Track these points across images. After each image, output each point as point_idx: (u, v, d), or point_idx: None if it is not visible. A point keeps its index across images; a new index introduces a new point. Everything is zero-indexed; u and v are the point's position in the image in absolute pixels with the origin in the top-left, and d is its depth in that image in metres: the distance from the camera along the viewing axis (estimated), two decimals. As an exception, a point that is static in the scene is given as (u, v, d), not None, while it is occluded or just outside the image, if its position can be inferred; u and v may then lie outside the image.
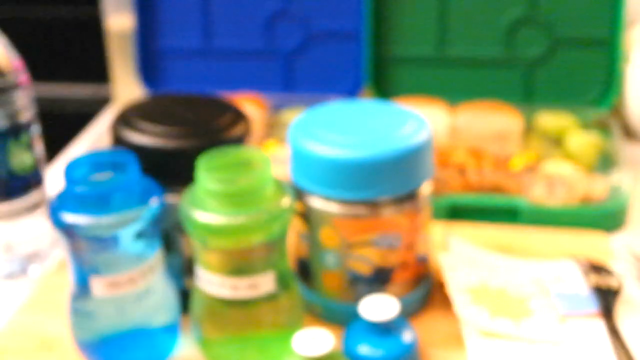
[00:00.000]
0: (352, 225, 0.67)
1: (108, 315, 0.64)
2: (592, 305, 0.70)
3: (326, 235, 0.68)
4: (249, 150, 0.64)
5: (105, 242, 0.61)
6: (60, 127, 1.29)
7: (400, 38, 1.06)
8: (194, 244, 0.64)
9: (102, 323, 0.64)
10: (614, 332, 0.66)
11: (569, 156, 0.94)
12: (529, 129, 0.97)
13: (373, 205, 0.66)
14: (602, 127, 0.99)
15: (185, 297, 0.68)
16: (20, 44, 1.37)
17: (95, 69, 1.30)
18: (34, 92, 1.37)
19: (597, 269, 0.73)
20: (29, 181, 0.80)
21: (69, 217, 0.61)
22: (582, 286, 0.73)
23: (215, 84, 1.11)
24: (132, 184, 0.62)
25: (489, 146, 0.96)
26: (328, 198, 0.67)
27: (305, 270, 0.71)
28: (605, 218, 0.84)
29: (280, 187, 0.64)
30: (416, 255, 0.70)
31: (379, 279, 0.69)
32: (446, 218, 0.86)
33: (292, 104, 1.06)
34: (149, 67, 1.12)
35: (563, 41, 1.03)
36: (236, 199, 0.61)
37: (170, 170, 0.67)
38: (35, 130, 0.80)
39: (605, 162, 0.94)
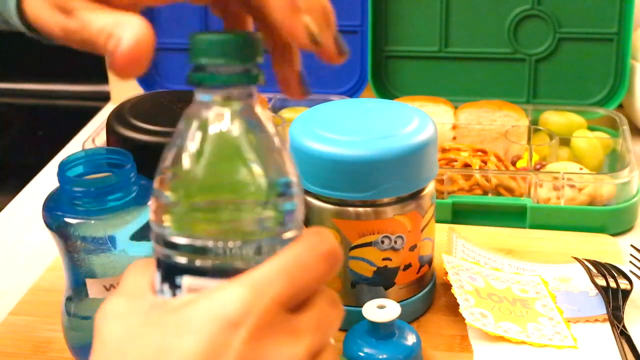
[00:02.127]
0: (353, 226, 0.66)
1: (104, 318, 0.63)
2: (599, 308, 0.69)
3: (327, 236, 0.67)
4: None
5: (101, 243, 0.60)
6: (57, 125, 1.28)
7: (403, 36, 1.06)
8: (191, 245, 0.63)
9: (98, 326, 0.63)
10: (623, 334, 0.65)
11: (575, 156, 0.93)
12: (534, 128, 0.96)
13: (375, 205, 0.65)
14: (610, 126, 0.99)
15: (183, 300, 0.67)
16: (16, 42, 1.36)
17: (92, 67, 1.29)
18: (31, 89, 1.37)
19: (604, 270, 0.72)
20: None
21: (64, 218, 0.60)
22: (589, 288, 0.72)
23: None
24: (128, 184, 0.61)
25: (494, 145, 0.95)
26: (329, 198, 0.66)
27: (306, 272, 0.70)
28: (613, 219, 0.84)
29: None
30: (419, 257, 0.69)
31: (381, 281, 0.68)
32: (450, 219, 0.86)
33: (292, 102, 1.05)
34: (147, 65, 1.12)
35: (569, 38, 1.02)
36: (235, 199, 0.60)
37: (168, 170, 0.66)
38: None
39: (613, 162, 0.93)
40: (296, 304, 0.39)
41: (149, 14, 1.10)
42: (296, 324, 0.38)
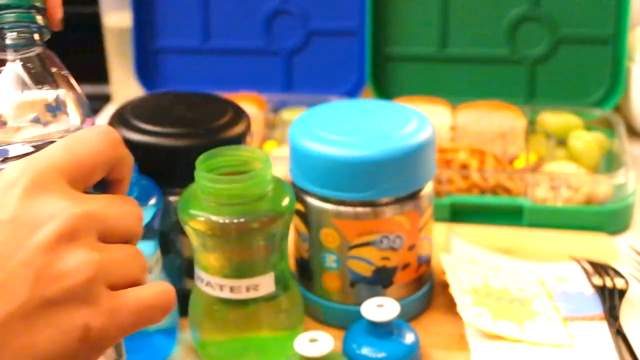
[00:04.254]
0: (352, 226, 0.66)
1: (105, 317, 0.63)
2: (596, 307, 0.69)
3: (326, 236, 0.67)
4: (249, 150, 0.64)
5: (102, 242, 0.60)
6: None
7: (401, 37, 1.06)
8: (193, 245, 0.63)
9: (100, 325, 0.64)
10: (619, 333, 0.66)
11: (572, 156, 0.94)
12: (532, 129, 0.97)
13: (374, 205, 0.66)
14: (606, 127, 0.99)
15: (184, 299, 0.67)
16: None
17: (93, 67, 1.29)
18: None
19: (601, 269, 0.73)
20: None
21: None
22: (585, 287, 0.72)
23: (214, 83, 1.11)
24: (129, 184, 0.61)
25: (492, 146, 0.95)
26: (328, 198, 0.66)
27: (306, 271, 0.71)
28: (610, 218, 0.84)
29: (280, 187, 0.63)
30: (418, 256, 0.69)
31: (380, 280, 0.68)
32: (448, 218, 0.86)
33: (292, 103, 1.06)
34: (147, 66, 1.12)
35: (566, 39, 1.02)
36: (236, 199, 0.60)
37: (169, 170, 0.67)
38: None
39: (609, 162, 0.94)
40: (80, 179, 0.40)
41: (151, 16, 1.10)
42: (76, 193, 0.39)
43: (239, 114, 0.71)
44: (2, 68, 0.43)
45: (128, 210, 0.41)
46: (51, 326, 0.36)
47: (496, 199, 0.86)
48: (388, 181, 0.65)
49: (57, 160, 0.39)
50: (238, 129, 0.69)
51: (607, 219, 0.84)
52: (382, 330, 0.64)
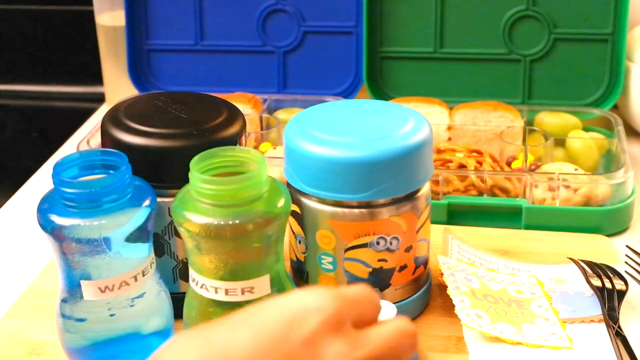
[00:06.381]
0: (348, 227, 0.66)
1: (99, 320, 0.63)
2: (595, 309, 0.69)
3: (322, 238, 0.67)
4: (244, 151, 0.63)
5: (95, 244, 0.60)
6: (52, 126, 1.28)
7: (398, 36, 1.06)
8: (187, 247, 0.63)
9: (93, 328, 0.63)
10: (618, 335, 0.65)
11: (571, 156, 0.94)
12: (530, 129, 0.96)
13: (370, 206, 0.65)
14: (605, 127, 0.99)
15: (178, 302, 0.67)
16: (11, 43, 1.36)
17: (86, 68, 1.29)
18: (26, 91, 1.37)
19: (600, 270, 0.72)
20: None
21: (58, 219, 0.60)
22: (584, 289, 0.72)
23: (208, 83, 1.11)
24: (123, 185, 0.61)
25: (489, 146, 0.95)
26: (324, 199, 0.66)
27: (301, 273, 0.70)
28: (608, 219, 0.84)
29: (275, 188, 0.63)
30: (415, 258, 0.69)
31: (377, 282, 0.68)
32: (445, 220, 0.86)
33: (287, 103, 1.05)
34: (141, 66, 1.12)
35: (564, 38, 1.02)
36: (230, 200, 0.60)
37: (163, 171, 0.66)
38: None
39: (608, 163, 0.93)
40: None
41: (144, 15, 1.10)
42: (361, 335, 0.44)
43: (234, 115, 0.70)
44: None
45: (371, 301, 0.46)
46: None
47: (494, 200, 0.86)
48: (384, 182, 0.64)
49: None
50: (233, 129, 0.69)
51: (606, 220, 0.83)
52: (379, 333, 0.63)
